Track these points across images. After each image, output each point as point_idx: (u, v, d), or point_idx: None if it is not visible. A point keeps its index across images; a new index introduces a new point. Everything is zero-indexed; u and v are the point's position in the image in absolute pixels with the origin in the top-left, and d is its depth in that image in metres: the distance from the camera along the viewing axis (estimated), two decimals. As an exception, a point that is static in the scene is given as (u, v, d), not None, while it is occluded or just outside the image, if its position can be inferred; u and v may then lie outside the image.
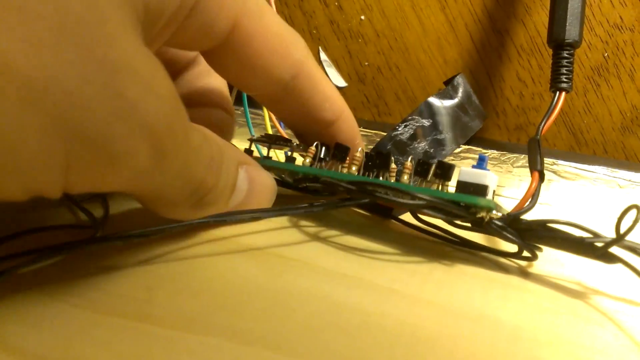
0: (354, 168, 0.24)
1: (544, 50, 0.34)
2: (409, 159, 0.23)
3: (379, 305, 0.19)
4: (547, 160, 0.31)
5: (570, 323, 0.19)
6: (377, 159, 0.24)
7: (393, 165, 0.24)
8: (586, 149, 0.35)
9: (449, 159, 0.33)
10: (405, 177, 0.23)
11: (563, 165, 0.31)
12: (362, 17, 0.39)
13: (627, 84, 0.33)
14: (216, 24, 0.21)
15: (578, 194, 0.30)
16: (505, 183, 0.31)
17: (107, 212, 0.25)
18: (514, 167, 0.32)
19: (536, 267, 0.23)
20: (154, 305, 0.18)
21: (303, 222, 0.24)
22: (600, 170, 0.30)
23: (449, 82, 0.33)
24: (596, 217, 0.28)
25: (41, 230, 0.22)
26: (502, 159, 0.32)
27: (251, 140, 0.28)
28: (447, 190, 0.23)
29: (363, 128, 0.37)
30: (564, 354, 0.17)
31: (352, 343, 0.17)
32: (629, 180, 0.29)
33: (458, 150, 0.33)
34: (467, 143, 0.33)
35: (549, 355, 0.17)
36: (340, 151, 0.25)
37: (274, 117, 0.32)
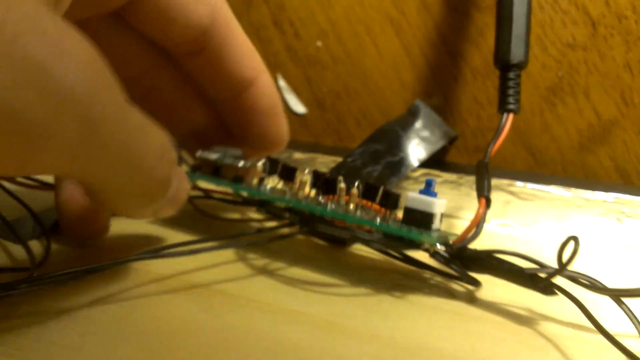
0: (300, 193, 0.24)
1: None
2: (356, 184, 0.23)
3: (318, 341, 0.19)
4: (504, 181, 0.31)
5: (514, 350, 0.18)
6: (324, 185, 0.23)
7: (342, 185, 0.23)
8: (545, 168, 0.35)
9: (407, 182, 0.33)
10: (352, 206, 0.23)
11: (521, 187, 0.31)
12: (319, 44, 0.39)
13: (582, 103, 0.33)
14: None
15: (536, 215, 0.29)
16: (464, 206, 0.31)
17: (49, 249, 0.24)
18: (472, 190, 0.31)
19: (486, 291, 0.22)
20: (85, 352, 0.18)
21: (250, 255, 0.23)
22: (556, 190, 0.30)
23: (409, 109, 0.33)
24: (553, 238, 0.28)
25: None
26: (460, 181, 0.32)
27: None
28: (395, 217, 0.22)
29: (324, 154, 0.36)
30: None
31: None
32: (586, 199, 0.29)
33: (417, 174, 0.33)
34: (426, 166, 0.33)
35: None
36: (286, 171, 0.24)
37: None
